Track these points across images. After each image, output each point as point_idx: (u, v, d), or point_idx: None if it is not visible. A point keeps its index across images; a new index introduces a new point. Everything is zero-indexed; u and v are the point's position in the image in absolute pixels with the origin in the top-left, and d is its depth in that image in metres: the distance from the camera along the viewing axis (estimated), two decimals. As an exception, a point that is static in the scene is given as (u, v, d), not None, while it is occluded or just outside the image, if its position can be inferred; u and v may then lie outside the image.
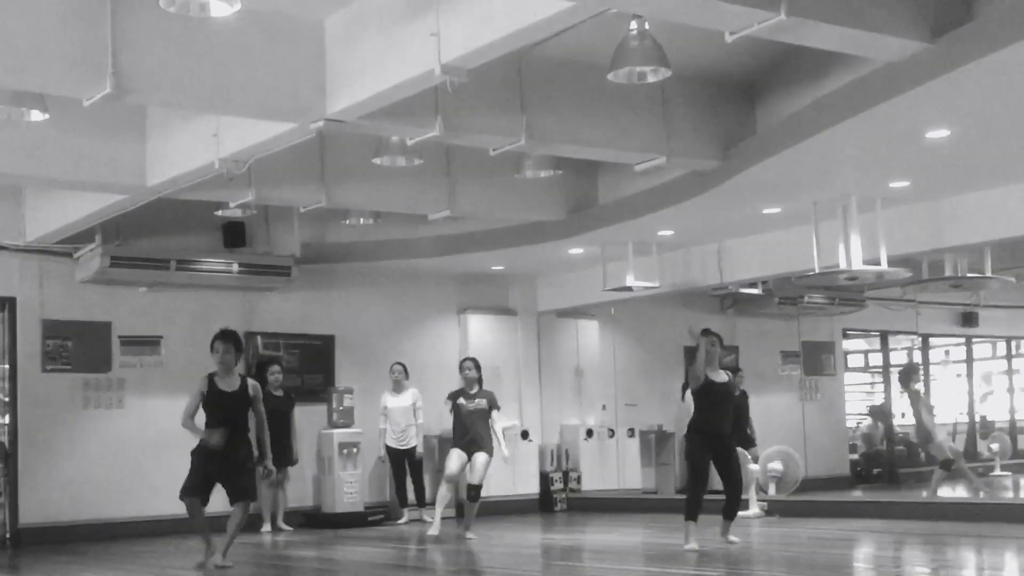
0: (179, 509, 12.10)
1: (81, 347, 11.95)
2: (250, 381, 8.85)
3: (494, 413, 10.84)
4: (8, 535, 11.50)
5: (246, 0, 6.24)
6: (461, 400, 10.86)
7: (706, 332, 9.43)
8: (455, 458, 10.80)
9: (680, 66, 7.52)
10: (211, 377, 8.65)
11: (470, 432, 10.75)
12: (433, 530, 10.84)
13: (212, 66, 7.17)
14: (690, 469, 9.44)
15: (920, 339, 19.41)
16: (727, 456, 9.21)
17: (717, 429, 9.18)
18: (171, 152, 9.06)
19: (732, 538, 9.24)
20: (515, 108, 8.17)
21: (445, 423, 13.30)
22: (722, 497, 9.21)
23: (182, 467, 12.52)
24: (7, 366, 11.83)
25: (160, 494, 12.14)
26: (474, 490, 10.80)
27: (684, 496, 9.38)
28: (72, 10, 6.77)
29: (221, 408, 8.59)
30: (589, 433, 14.69)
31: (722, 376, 9.38)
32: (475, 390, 10.87)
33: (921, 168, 9.45)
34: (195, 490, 8.51)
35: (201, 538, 8.69)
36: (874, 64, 7.36)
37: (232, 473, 8.52)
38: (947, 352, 20.86)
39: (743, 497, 12.15)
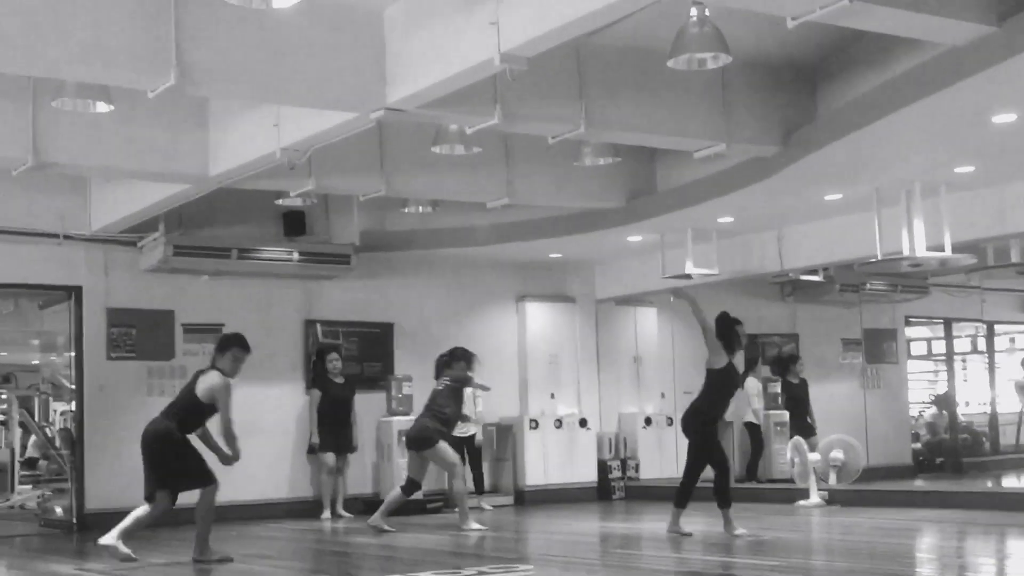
0: (240, 495, 12.37)
1: (145, 335, 12.11)
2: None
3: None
4: (75, 520, 11.71)
5: (307, -9, 6.29)
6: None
7: (730, 319, 9.41)
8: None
9: (740, 52, 7.46)
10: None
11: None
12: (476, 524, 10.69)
13: (273, 57, 7.23)
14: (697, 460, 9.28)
15: (985, 326, 19.11)
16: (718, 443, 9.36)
17: (719, 416, 9.44)
18: (233, 142, 9.16)
19: (739, 531, 9.03)
20: (574, 96, 8.16)
21: (504, 411, 13.39)
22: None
23: (243, 453, 12.69)
24: (73, 354, 12.04)
25: (222, 480, 12.26)
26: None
27: (732, 482, 9.49)
28: (137, 3, 6.87)
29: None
30: (647, 421, 14.65)
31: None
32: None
33: (987, 153, 9.30)
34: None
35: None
36: (938, 48, 7.26)
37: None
38: (1012, 340, 20.53)
39: (803, 486, 12.15)
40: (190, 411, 8.55)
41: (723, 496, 9.09)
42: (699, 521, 11.18)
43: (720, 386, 9.31)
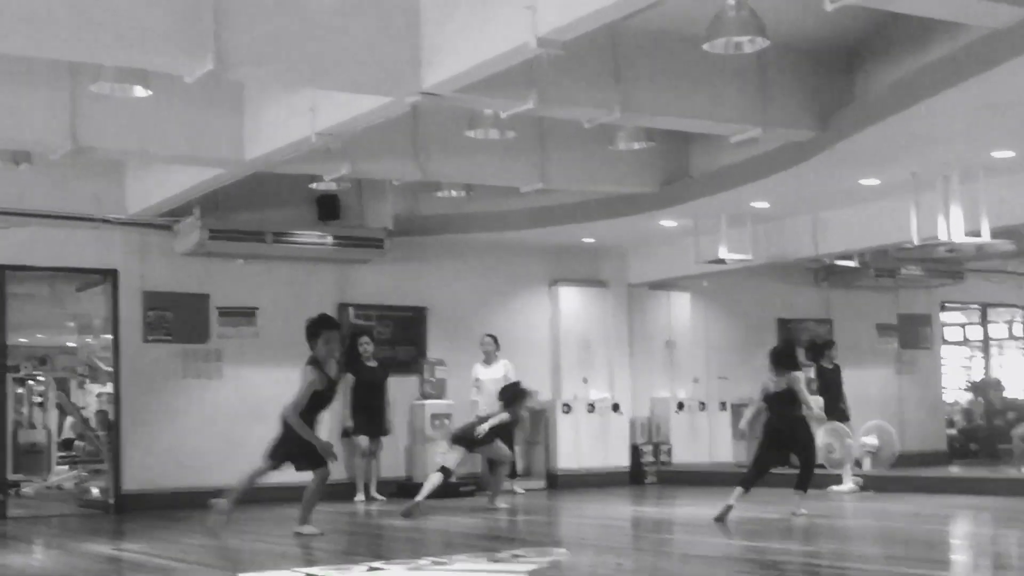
0: (274, 477, 12.41)
1: (180, 318, 12.21)
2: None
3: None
4: (112, 501, 11.83)
5: (343, -25, 6.29)
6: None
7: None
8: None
9: (777, 35, 7.40)
10: (318, 366, 8.80)
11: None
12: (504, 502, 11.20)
13: (310, 42, 7.24)
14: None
15: (1021, 312, 18.94)
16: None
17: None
18: (268, 126, 9.19)
19: (801, 511, 9.46)
20: (610, 80, 8.13)
21: (537, 395, 13.38)
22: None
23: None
24: (111, 336, 12.15)
25: (256, 463, 12.40)
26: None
27: (759, 469, 9.64)
28: (175, -12, 6.89)
29: (329, 398, 8.96)
30: (680, 406, 14.63)
31: (781, 384, 9.60)
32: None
33: (1026, 137, 9.21)
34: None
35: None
36: (978, 31, 7.18)
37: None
38: (1049, 326, 20.34)
39: (837, 471, 12.10)
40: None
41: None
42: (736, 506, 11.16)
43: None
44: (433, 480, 10.72)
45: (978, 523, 9.55)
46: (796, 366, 9.75)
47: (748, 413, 10.00)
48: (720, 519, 9.09)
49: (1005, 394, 18.46)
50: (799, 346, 9.89)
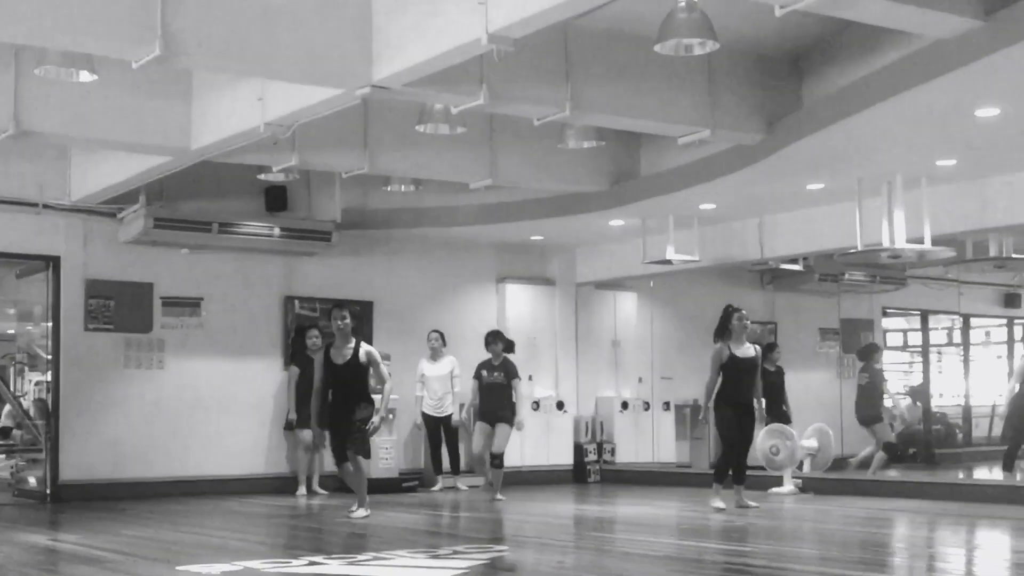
0: (216, 470, 12.38)
1: (123, 307, 12.07)
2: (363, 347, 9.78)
3: (514, 383, 11.59)
4: (48, 491, 11.67)
5: (295, -35, 6.24)
6: (483, 372, 11.63)
7: (732, 308, 10.32)
8: (477, 432, 11.62)
9: (727, 39, 7.46)
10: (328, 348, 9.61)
11: (489, 404, 11.56)
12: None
13: (260, 31, 7.19)
14: (723, 439, 10.42)
15: (961, 319, 19.23)
16: (746, 425, 10.30)
17: (743, 399, 10.23)
18: (216, 115, 9.11)
19: (751, 503, 10.20)
20: (560, 78, 8.15)
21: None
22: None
23: (220, 428, 12.72)
24: (50, 324, 11.98)
25: (198, 454, 12.34)
26: (496, 458, 11.54)
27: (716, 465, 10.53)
28: (122, -28, 6.81)
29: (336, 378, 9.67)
30: (624, 405, 14.70)
31: (748, 351, 10.30)
32: (498, 362, 11.62)
33: (969, 146, 9.35)
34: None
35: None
36: (924, 41, 7.29)
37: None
38: (988, 333, 20.67)
39: (778, 473, 12.21)
40: None
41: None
42: (673, 505, 11.25)
43: (734, 375, 10.36)
44: (493, 473, 11.57)
45: (914, 526, 9.68)
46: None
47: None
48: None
49: (932, 401, 18.74)
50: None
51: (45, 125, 9.00)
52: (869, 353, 14.35)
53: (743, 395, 10.24)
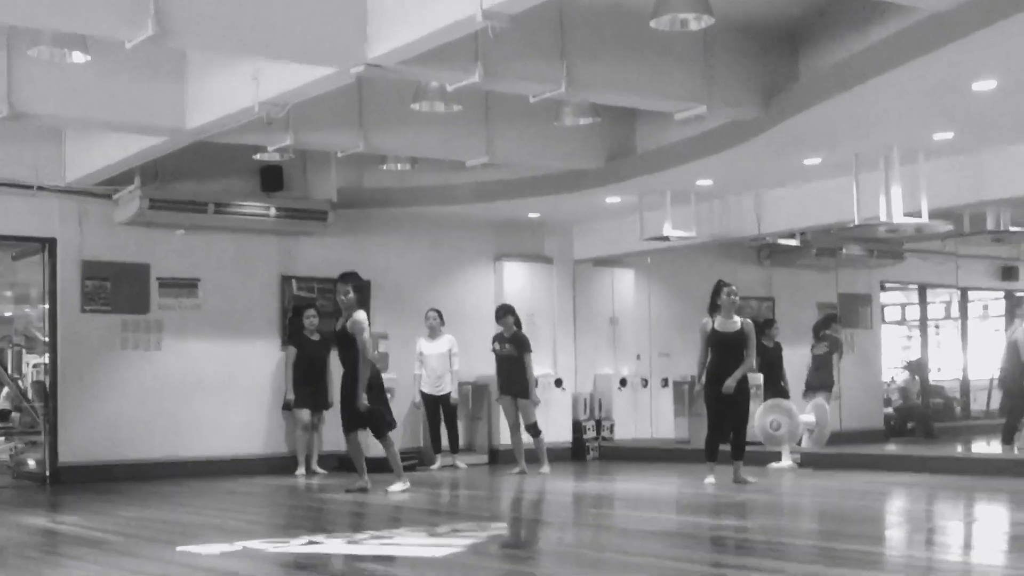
0: (214, 450, 12.38)
1: (120, 288, 12.05)
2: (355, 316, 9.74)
3: (525, 357, 11.92)
4: (47, 473, 11.69)
5: (287, -58, 6.20)
6: (496, 344, 11.97)
7: (722, 283, 10.38)
8: (504, 406, 12.26)
9: (723, 13, 7.43)
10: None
11: (504, 377, 11.99)
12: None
13: (254, 10, 7.16)
14: (708, 414, 10.50)
15: (959, 293, 19.25)
16: (735, 400, 10.28)
17: (728, 374, 10.21)
18: (211, 95, 9.07)
19: (749, 479, 10.18)
20: (556, 55, 8.11)
21: (480, 370, 13.40)
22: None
23: (218, 408, 12.70)
24: (47, 306, 11.97)
25: (196, 435, 12.34)
26: (531, 428, 12.02)
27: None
28: (114, -49, 6.76)
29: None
30: (623, 382, 14.71)
31: (733, 325, 10.33)
32: (509, 335, 11.95)
33: (966, 120, 9.33)
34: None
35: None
36: (921, 13, 7.25)
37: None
38: (986, 307, 20.68)
39: (776, 449, 12.23)
40: None
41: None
42: (672, 481, 11.28)
43: (719, 350, 10.44)
44: (536, 443, 11.97)
45: (913, 499, 9.70)
46: None
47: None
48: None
49: (931, 376, 18.76)
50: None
51: (39, 107, 8.96)
52: (828, 323, 14.36)
53: (728, 370, 10.24)
